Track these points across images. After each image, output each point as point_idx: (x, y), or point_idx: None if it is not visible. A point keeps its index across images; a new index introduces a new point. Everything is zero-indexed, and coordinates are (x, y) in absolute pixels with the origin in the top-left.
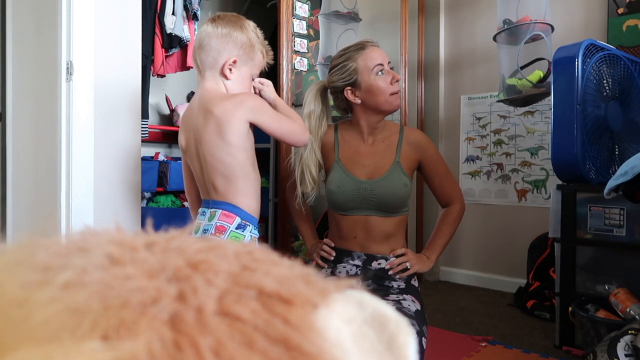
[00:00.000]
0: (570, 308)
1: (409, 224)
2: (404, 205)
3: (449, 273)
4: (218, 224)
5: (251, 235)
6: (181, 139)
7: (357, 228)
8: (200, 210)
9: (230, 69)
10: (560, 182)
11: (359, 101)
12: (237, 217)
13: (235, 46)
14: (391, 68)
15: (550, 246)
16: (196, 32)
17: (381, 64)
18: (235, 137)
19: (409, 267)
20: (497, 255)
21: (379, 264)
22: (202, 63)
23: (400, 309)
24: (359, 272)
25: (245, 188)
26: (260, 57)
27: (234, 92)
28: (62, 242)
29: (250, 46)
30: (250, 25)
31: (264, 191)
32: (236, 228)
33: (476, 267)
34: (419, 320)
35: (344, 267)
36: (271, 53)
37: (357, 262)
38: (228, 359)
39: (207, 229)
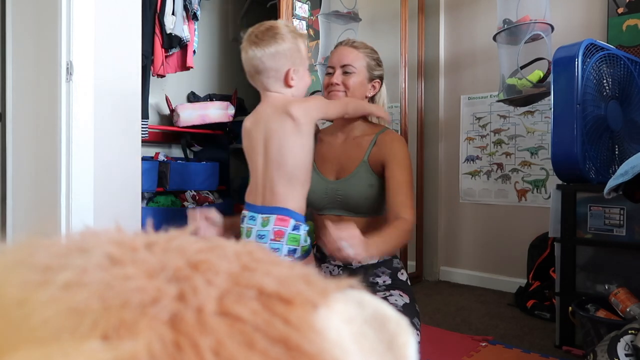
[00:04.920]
0: (570, 308)
1: None
2: (375, 207)
3: (449, 273)
4: (276, 229)
5: (304, 231)
6: (245, 141)
7: None
8: (247, 214)
9: (293, 78)
10: (560, 182)
11: None
12: (292, 219)
13: (286, 58)
14: (346, 72)
15: (550, 246)
16: (196, 32)
17: (332, 67)
18: (307, 138)
19: (343, 248)
20: (497, 255)
21: (359, 262)
22: (264, 84)
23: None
24: (340, 273)
25: (302, 190)
26: (304, 46)
27: (299, 93)
28: (62, 242)
29: (297, 50)
30: (282, 27)
31: None
32: (292, 230)
33: (476, 267)
34: (408, 313)
35: (327, 267)
36: (301, 31)
37: (338, 262)
38: (228, 359)
39: (264, 235)
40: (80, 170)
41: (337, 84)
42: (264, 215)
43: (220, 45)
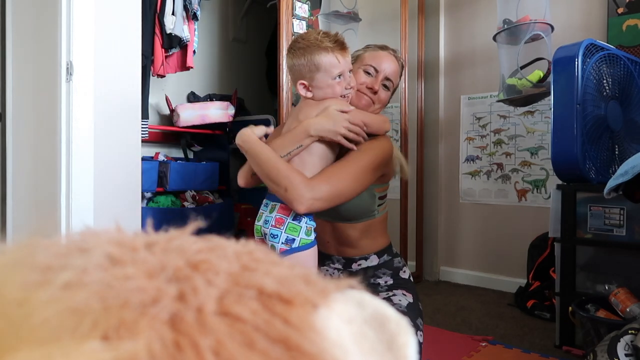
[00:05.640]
0: (570, 308)
1: (409, 224)
2: (367, 212)
3: (449, 273)
4: (277, 217)
5: (307, 225)
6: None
7: (326, 233)
8: (264, 201)
9: (307, 88)
10: (560, 182)
11: None
12: (293, 210)
13: (294, 73)
14: (385, 86)
15: (550, 246)
16: (196, 32)
17: (377, 70)
18: (320, 142)
19: None
20: (497, 255)
21: (359, 265)
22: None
23: (391, 305)
24: (340, 275)
25: None
26: (327, 58)
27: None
28: (62, 242)
29: (309, 65)
30: (305, 41)
31: (263, 190)
32: (292, 220)
33: (476, 267)
34: (411, 313)
35: (327, 270)
36: (333, 39)
37: (338, 265)
38: (228, 359)
39: (268, 220)
40: (80, 170)
41: (375, 92)
42: (273, 203)
43: (220, 45)
